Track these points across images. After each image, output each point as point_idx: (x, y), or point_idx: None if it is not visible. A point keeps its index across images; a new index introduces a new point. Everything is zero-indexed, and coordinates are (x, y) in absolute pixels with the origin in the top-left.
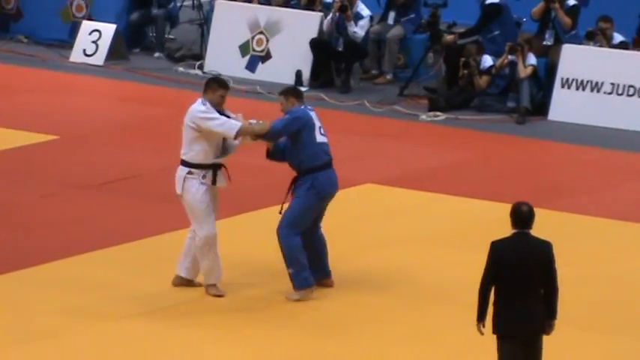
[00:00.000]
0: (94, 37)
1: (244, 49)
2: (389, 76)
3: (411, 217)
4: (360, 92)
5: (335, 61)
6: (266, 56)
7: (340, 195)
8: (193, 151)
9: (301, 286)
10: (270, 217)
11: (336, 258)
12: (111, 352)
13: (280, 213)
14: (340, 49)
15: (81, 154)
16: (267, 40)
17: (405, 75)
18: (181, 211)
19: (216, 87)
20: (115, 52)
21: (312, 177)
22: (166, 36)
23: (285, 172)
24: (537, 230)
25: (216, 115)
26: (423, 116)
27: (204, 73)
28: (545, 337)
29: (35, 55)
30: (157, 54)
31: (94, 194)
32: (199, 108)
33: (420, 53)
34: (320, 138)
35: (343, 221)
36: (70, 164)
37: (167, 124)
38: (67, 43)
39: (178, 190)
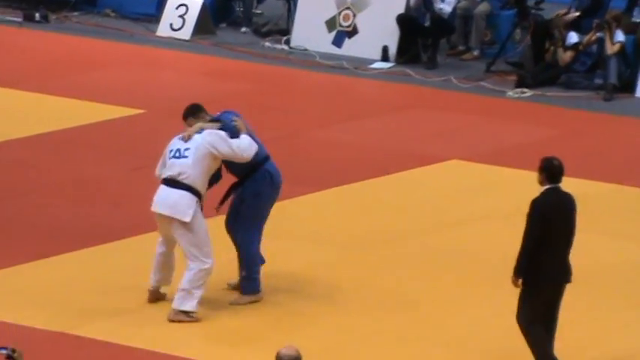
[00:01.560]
0: (181, 12)
1: (331, 24)
2: (476, 52)
3: (496, 193)
4: (446, 68)
5: (421, 37)
6: (352, 31)
7: (425, 171)
8: (203, 181)
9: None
10: (353, 193)
11: (421, 234)
12: (199, 328)
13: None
14: (427, 24)
15: (168, 128)
16: (354, 16)
17: (491, 51)
18: None
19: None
20: (202, 27)
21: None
22: (253, 10)
23: (370, 147)
24: (627, 208)
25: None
26: (510, 93)
27: (290, 48)
28: None
29: (122, 29)
30: (243, 29)
31: None
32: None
33: (507, 29)
34: None
35: (429, 197)
36: (158, 138)
37: (253, 99)
38: (154, 17)
39: (187, 219)
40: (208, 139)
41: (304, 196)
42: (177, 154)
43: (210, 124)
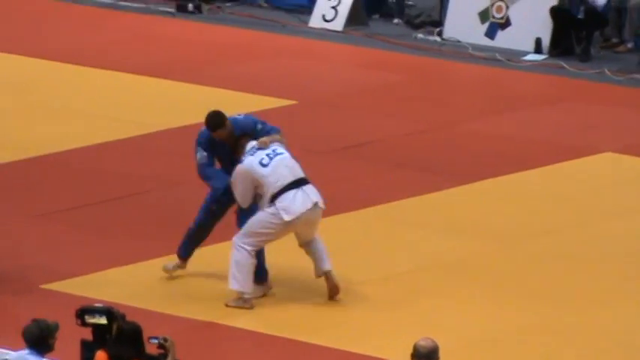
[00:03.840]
0: (334, 3)
1: (484, 15)
2: (630, 45)
3: None
4: (600, 60)
5: (575, 29)
6: (505, 23)
7: (578, 164)
8: None
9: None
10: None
11: (574, 226)
12: (349, 317)
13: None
14: (581, 16)
15: (320, 119)
16: (507, 7)
17: None
18: (415, 178)
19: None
20: (354, 18)
21: None
22: (406, 2)
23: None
24: None
25: None
26: None
27: (442, 39)
28: None
29: (275, 20)
30: (396, 20)
31: (332, 159)
32: None
33: None
34: None
35: (581, 190)
36: (310, 129)
37: (405, 91)
38: (307, 8)
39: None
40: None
41: (455, 188)
42: (271, 155)
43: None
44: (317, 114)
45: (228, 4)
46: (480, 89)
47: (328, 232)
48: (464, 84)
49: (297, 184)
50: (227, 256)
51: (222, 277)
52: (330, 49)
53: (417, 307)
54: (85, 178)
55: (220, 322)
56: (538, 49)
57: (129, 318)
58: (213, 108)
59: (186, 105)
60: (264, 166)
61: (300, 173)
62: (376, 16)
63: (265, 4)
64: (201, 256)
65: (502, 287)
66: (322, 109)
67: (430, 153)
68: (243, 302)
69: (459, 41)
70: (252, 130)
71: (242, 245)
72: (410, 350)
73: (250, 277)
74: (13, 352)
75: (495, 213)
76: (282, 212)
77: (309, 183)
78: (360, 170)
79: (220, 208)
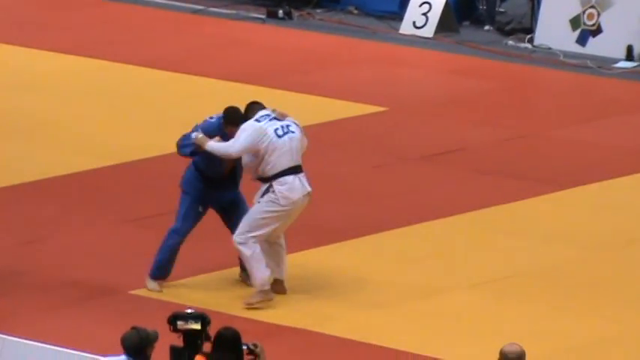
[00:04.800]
0: (424, 9)
1: (575, 22)
2: None
3: None
4: None
5: None
6: (597, 30)
7: None
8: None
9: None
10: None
11: None
12: (436, 325)
13: None
14: None
15: (410, 126)
16: (599, 14)
17: None
18: (505, 186)
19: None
20: (445, 25)
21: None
22: (497, 9)
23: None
24: None
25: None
26: None
27: (533, 46)
28: None
29: (365, 26)
30: (486, 27)
31: (422, 166)
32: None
33: None
34: None
35: None
36: (400, 136)
37: (495, 98)
38: (397, 15)
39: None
40: (300, 128)
41: (545, 195)
42: (285, 130)
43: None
44: (407, 121)
45: (318, 11)
46: (571, 96)
47: (417, 238)
48: (554, 91)
49: (296, 170)
50: (313, 263)
51: (309, 284)
52: (421, 55)
53: (504, 314)
54: (171, 184)
55: (310, 328)
56: (629, 57)
57: (216, 324)
58: (302, 115)
59: None
60: (278, 136)
61: (299, 159)
62: (467, 23)
63: (356, 11)
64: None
65: (593, 295)
66: (412, 116)
67: (520, 160)
68: (264, 295)
69: (549, 48)
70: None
71: (245, 240)
72: (496, 356)
73: (263, 267)
74: (110, 357)
75: (586, 220)
76: (281, 198)
77: (303, 171)
78: (450, 177)
79: (204, 211)
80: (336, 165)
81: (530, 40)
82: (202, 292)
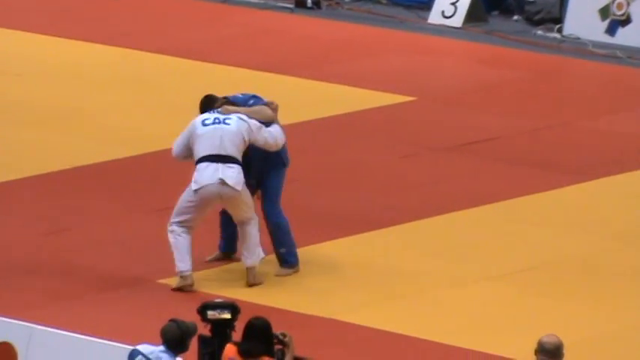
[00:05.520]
0: None
1: (604, 12)
2: None
3: None
4: None
5: None
6: (626, 20)
7: None
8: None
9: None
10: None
11: None
12: (463, 315)
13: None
14: None
15: (438, 115)
16: (628, 4)
17: None
18: (533, 176)
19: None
20: (474, 14)
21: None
22: None
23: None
24: None
25: None
26: None
27: (562, 36)
28: None
29: (394, 16)
30: (515, 17)
31: (450, 156)
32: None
33: None
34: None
35: None
36: (428, 126)
37: (524, 88)
38: (426, 4)
39: (240, 187)
40: (246, 123)
41: (574, 185)
42: (217, 121)
43: (244, 109)
44: (435, 110)
45: (347, 0)
46: (600, 86)
47: (445, 229)
48: (583, 81)
49: (216, 158)
50: (342, 253)
51: (337, 274)
52: (449, 45)
53: (532, 304)
54: None
55: (338, 318)
56: None
57: (244, 313)
58: (331, 104)
59: (304, 101)
60: (204, 125)
61: (227, 151)
62: (495, 13)
63: (384, 1)
64: (314, 252)
65: (624, 285)
66: (440, 105)
67: (548, 150)
68: (183, 281)
69: (578, 38)
70: (244, 104)
71: (171, 229)
72: (528, 347)
73: (186, 255)
74: (147, 344)
75: (615, 211)
76: (192, 183)
77: (230, 163)
78: (478, 167)
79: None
80: (365, 154)
81: (559, 30)
82: (230, 282)
